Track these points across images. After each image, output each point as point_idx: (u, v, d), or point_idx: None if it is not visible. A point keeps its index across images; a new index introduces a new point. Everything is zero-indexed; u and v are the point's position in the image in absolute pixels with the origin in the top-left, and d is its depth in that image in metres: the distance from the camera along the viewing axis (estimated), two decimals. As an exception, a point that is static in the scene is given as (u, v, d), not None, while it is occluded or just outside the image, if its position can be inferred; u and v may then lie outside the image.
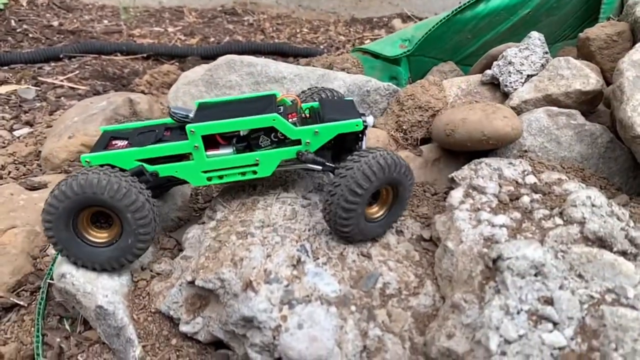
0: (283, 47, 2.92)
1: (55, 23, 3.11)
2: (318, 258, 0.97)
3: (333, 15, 3.59)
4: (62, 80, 2.47)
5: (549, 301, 0.84)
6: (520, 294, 0.84)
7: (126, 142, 1.02)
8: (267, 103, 1.04)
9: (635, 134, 1.11)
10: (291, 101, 1.10)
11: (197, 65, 1.61)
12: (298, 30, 3.39)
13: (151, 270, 1.04)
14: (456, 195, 1.08)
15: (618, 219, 0.95)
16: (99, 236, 0.95)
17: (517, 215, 1.01)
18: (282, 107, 1.06)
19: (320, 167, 1.02)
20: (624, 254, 0.90)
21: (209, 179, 1.02)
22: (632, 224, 0.95)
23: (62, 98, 2.34)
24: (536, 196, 1.05)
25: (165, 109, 1.85)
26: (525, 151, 1.26)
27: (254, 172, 1.03)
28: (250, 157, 1.01)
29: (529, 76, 1.39)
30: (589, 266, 0.88)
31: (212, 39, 3.12)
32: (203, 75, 1.44)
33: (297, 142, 1.01)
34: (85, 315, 0.99)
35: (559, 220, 0.97)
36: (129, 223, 0.92)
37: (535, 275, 0.86)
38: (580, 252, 0.89)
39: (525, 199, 1.04)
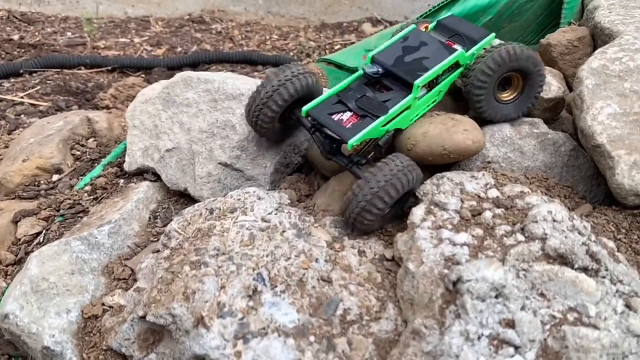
0: (252, 56, 2.88)
1: (16, 37, 3.02)
2: (276, 286, 0.94)
3: (303, 21, 3.56)
4: (22, 97, 2.39)
5: (511, 324, 0.82)
6: (481, 318, 0.82)
7: (351, 114, 1.11)
8: (432, 40, 1.20)
9: (595, 143, 1.10)
10: (427, 30, 1.26)
11: (163, 79, 1.57)
12: (268, 37, 3.36)
13: (103, 304, 1.00)
14: (418, 213, 1.05)
15: (579, 233, 0.94)
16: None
17: (479, 232, 0.98)
18: (440, 40, 1.21)
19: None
20: (585, 270, 0.88)
21: (411, 120, 1.17)
22: (593, 237, 0.94)
23: (23, 116, 2.27)
24: (499, 211, 1.03)
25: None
26: (489, 162, 1.24)
27: (434, 102, 1.21)
28: (438, 90, 1.19)
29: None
30: (550, 285, 0.86)
31: (179, 49, 3.07)
32: (160, 93, 1.39)
33: (459, 65, 1.19)
34: (33, 357, 0.95)
35: (520, 237, 0.95)
36: None
37: (497, 297, 0.84)
38: (542, 270, 0.87)
39: (488, 215, 1.02)
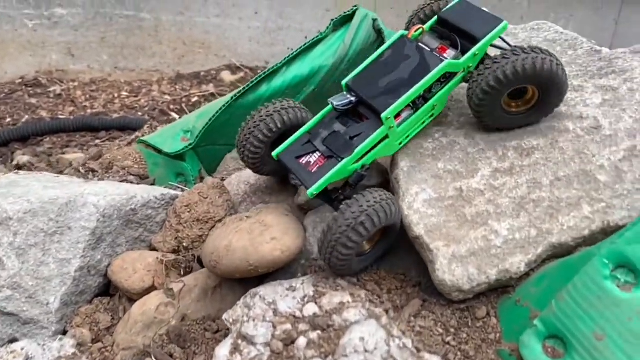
0: (92, 122, 2.60)
1: None
2: None
3: (156, 74, 3.33)
4: None
5: None
6: None
7: (318, 155, 1.02)
8: (416, 52, 1.04)
9: (413, 235, 1.01)
10: (418, 32, 1.08)
11: None
12: (116, 95, 3.09)
13: None
14: (221, 353, 0.89)
15: None
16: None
17: (290, 369, 0.84)
18: (425, 46, 1.05)
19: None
20: (401, 411, 0.77)
21: (400, 143, 1.08)
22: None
23: None
24: (314, 335, 0.90)
25: None
26: (315, 259, 1.12)
27: (432, 116, 1.09)
28: (429, 106, 1.06)
29: (316, 165, 1.26)
30: None
31: (8, 120, 2.70)
32: None
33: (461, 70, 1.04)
34: None
35: (333, 374, 0.82)
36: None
37: None
38: (354, 420, 0.75)
39: (301, 343, 0.89)
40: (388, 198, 0.96)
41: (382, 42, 1.48)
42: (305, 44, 1.44)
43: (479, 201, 1.02)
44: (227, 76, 3.35)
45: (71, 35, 3.16)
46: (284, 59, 1.43)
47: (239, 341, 0.91)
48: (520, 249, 0.96)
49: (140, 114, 2.86)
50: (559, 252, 0.97)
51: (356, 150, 1.00)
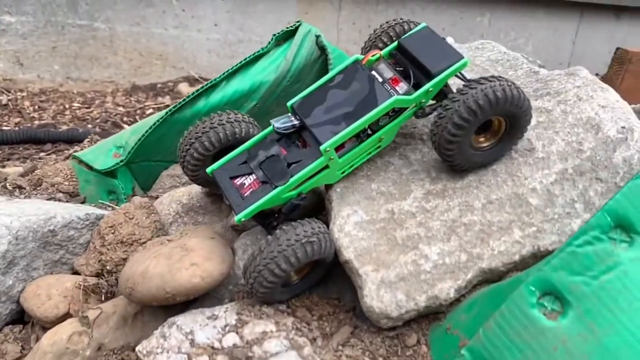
0: (37, 134, 2.49)
1: None
2: None
3: (110, 85, 3.24)
4: None
5: None
6: None
7: (253, 178, 0.98)
8: (366, 81, 1.00)
9: (343, 259, 0.97)
10: (375, 57, 1.03)
11: None
12: (67, 106, 2.98)
13: None
14: (129, 388, 0.83)
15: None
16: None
17: (201, 407, 0.79)
18: (378, 75, 1.01)
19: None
20: None
21: (343, 172, 1.04)
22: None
23: None
24: (231, 368, 0.85)
25: None
26: (243, 284, 1.07)
27: (378, 147, 1.05)
28: (375, 139, 1.02)
29: (252, 184, 1.22)
30: None
31: (-52, 131, 2.57)
32: None
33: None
34: None
35: (245, 411, 0.77)
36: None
37: None
38: None
39: (217, 376, 0.83)
40: (325, 232, 0.95)
41: (326, 59, 1.45)
42: (246, 59, 1.40)
43: (410, 224, 0.99)
44: (184, 88, 3.29)
45: (20, 43, 3.04)
46: (223, 73, 1.39)
47: (150, 375, 0.84)
48: (450, 274, 0.93)
49: (90, 126, 2.76)
50: (490, 277, 0.95)
51: (291, 180, 0.96)
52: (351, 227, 1.00)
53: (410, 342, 0.95)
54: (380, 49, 1.07)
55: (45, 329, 1.03)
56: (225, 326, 0.92)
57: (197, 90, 1.36)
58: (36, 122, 2.78)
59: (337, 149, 0.98)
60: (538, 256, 0.94)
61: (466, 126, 0.93)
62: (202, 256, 0.94)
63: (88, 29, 3.12)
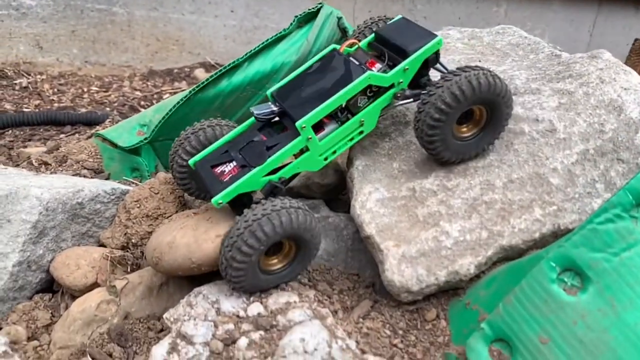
0: (57, 116, 2.53)
1: None
2: None
3: (128, 69, 3.27)
4: None
5: None
6: None
7: (233, 164, 0.97)
8: (342, 64, 1.02)
9: (365, 234, 0.99)
10: (353, 48, 1.07)
11: None
12: (85, 90, 3.01)
13: None
14: (158, 352, 0.85)
15: (337, 361, 0.81)
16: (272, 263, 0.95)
17: (228, 371, 0.81)
18: (354, 59, 1.03)
19: (414, 98, 1.02)
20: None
21: (325, 158, 1.02)
22: (354, 362, 0.81)
23: None
24: (255, 335, 0.87)
25: None
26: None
27: (361, 133, 1.03)
28: (355, 121, 1.01)
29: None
30: None
31: (-30, 112, 2.61)
32: None
33: (391, 86, 1.00)
34: None
35: (271, 375, 0.79)
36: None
37: None
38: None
39: (242, 343, 0.86)
40: (298, 207, 0.91)
41: (347, 41, 1.46)
42: (268, 40, 1.41)
43: (432, 201, 1.00)
44: (201, 74, 3.31)
45: (40, 27, 3.08)
46: (246, 53, 1.41)
47: (178, 340, 0.87)
48: (470, 250, 0.94)
49: (109, 109, 2.79)
50: (510, 254, 0.96)
51: (268, 160, 0.95)
52: (372, 204, 1.01)
53: (429, 317, 0.97)
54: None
55: (74, 297, 1.06)
56: (250, 296, 0.94)
57: (219, 70, 1.38)
58: (55, 105, 2.82)
59: (317, 131, 0.98)
60: (558, 234, 0.95)
61: (449, 112, 0.94)
62: (227, 228, 0.96)
63: (107, 13, 3.15)
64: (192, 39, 3.31)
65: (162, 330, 1.02)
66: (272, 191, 0.96)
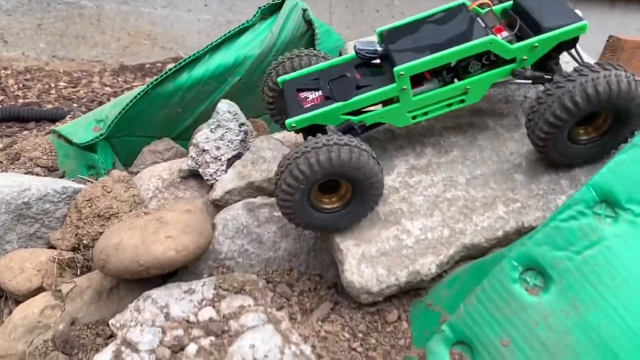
0: (20, 112, 2.44)
1: None
2: None
3: (98, 64, 3.18)
4: None
5: None
6: None
7: (319, 94, 0.93)
8: (466, 21, 0.92)
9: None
10: (484, 9, 0.96)
11: None
12: (52, 85, 2.92)
13: None
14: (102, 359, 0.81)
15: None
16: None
17: (173, 380, 0.77)
18: (481, 20, 0.93)
19: (535, 81, 0.92)
20: None
21: (414, 117, 0.94)
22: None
23: None
24: (205, 342, 0.83)
25: None
26: (223, 260, 1.05)
27: (462, 101, 0.94)
28: (459, 87, 0.92)
29: (233, 158, 1.19)
30: None
31: None
32: None
33: (512, 60, 0.90)
34: None
35: (218, 384, 0.75)
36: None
37: None
38: None
39: (191, 350, 0.81)
40: (361, 147, 0.85)
41: (313, 33, 1.42)
42: (230, 32, 1.36)
43: (393, 199, 0.97)
44: (173, 69, 3.23)
45: (4, 20, 2.97)
46: (207, 46, 1.36)
47: (122, 348, 0.82)
48: (432, 249, 0.91)
49: (76, 105, 2.71)
50: (472, 253, 0.93)
51: (354, 98, 0.90)
52: (333, 202, 0.97)
53: (390, 318, 0.93)
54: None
55: (18, 302, 1.01)
56: (202, 300, 0.90)
57: (179, 64, 1.33)
58: (20, 101, 2.73)
59: (414, 85, 0.91)
60: (522, 232, 0.92)
61: (576, 113, 0.83)
62: (179, 229, 0.92)
63: (74, 6, 3.06)
64: (165, 33, 3.23)
65: (111, 336, 0.96)
66: (347, 132, 0.90)
